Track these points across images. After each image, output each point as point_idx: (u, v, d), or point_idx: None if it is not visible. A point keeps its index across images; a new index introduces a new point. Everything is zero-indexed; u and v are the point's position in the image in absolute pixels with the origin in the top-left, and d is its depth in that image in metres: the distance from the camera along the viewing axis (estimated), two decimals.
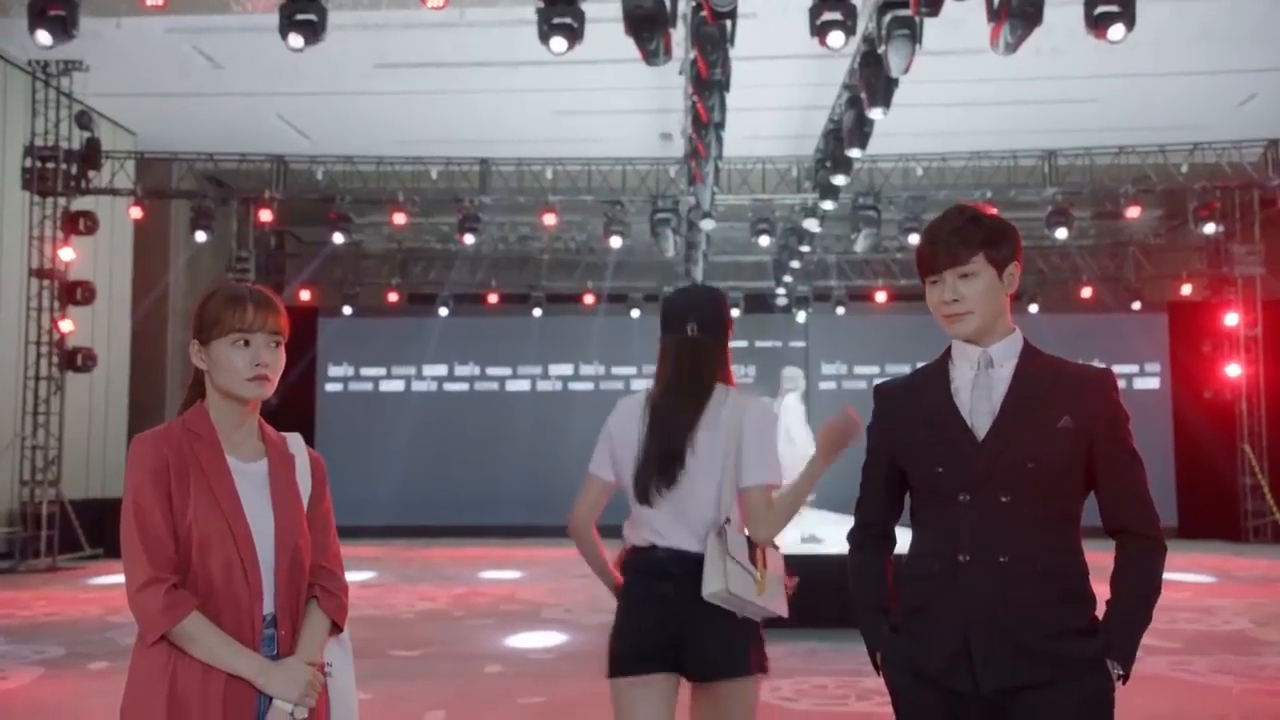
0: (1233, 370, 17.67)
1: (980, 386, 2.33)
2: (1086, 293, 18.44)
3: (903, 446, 2.41)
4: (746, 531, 2.93)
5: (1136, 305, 18.38)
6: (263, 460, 2.38)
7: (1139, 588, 2.28)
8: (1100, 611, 2.30)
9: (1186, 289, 18.52)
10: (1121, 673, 2.24)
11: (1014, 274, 2.36)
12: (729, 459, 2.90)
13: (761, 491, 2.93)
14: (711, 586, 2.83)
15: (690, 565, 2.88)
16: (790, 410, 10.53)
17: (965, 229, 2.34)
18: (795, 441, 9.96)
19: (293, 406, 16.88)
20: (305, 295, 18.40)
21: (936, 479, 2.32)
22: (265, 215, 15.34)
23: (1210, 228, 15.26)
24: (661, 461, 2.94)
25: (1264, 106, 14.29)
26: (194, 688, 2.17)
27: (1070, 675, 2.21)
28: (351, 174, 15.76)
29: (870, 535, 2.54)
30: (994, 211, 2.42)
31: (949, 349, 2.43)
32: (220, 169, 16.03)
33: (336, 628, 2.41)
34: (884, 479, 2.48)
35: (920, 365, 2.53)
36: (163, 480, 2.23)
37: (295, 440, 2.50)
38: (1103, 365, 2.39)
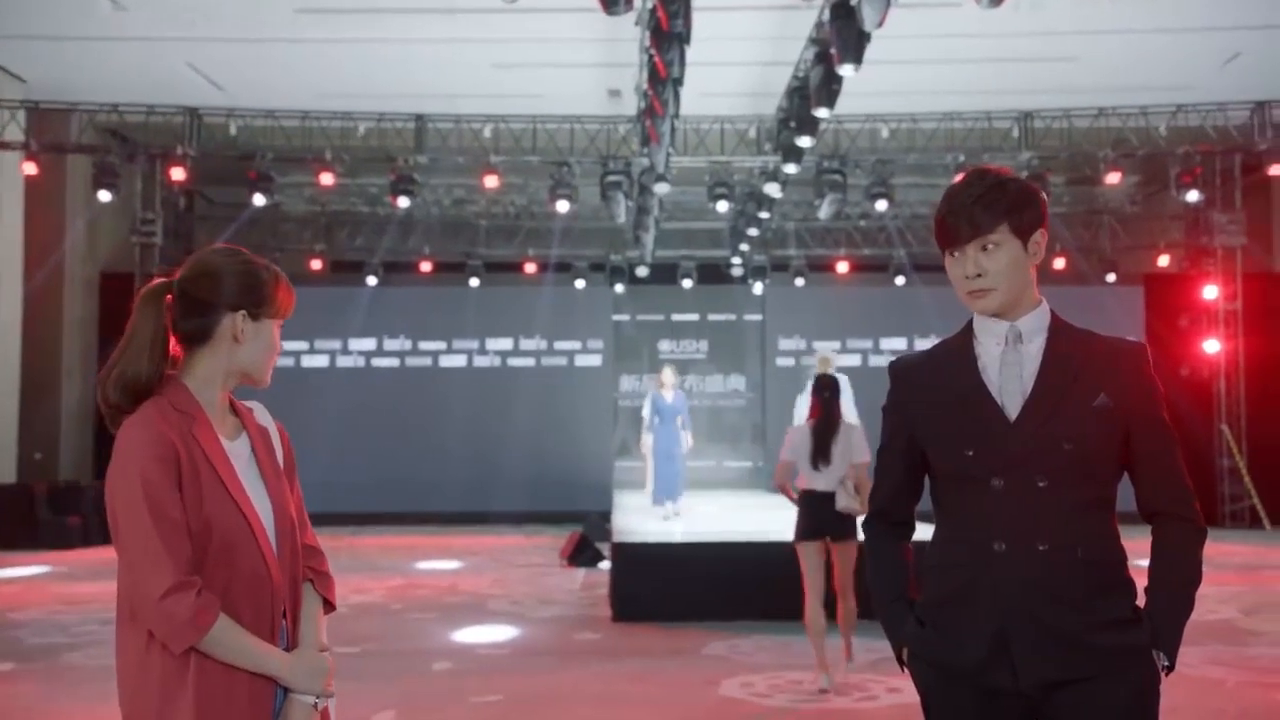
0: (1211, 346, 18.08)
1: (1009, 364, 2.32)
2: (1060, 264, 18.72)
3: (926, 429, 2.40)
4: (853, 481, 6.59)
5: (1111, 277, 18.68)
6: (243, 436, 2.37)
7: (1181, 573, 2.30)
8: (1141, 600, 2.32)
9: (1164, 260, 18.88)
10: (1168, 664, 2.26)
11: (1040, 243, 2.35)
12: (846, 451, 6.62)
13: (862, 465, 6.58)
14: (841, 503, 6.52)
15: (827, 496, 6.57)
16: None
17: (988, 196, 2.32)
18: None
19: None
20: None
21: (966, 463, 2.31)
22: (177, 173, 15.03)
23: (1193, 195, 15.54)
24: (824, 453, 6.61)
25: (1249, 66, 14.50)
26: (219, 691, 2.15)
27: (1114, 668, 2.22)
28: (271, 130, 15.49)
29: (890, 523, 2.55)
30: (1013, 174, 2.40)
31: (970, 323, 2.41)
32: (126, 121, 15.66)
33: (329, 606, 2.43)
34: (903, 464, 2.48)
35: (940, 339, 2.54)
36: (172, 468, 2.17)
37: (262, 411, 2.48)
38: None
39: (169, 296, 2.34)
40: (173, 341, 2.33)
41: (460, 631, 8.63)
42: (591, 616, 9.34)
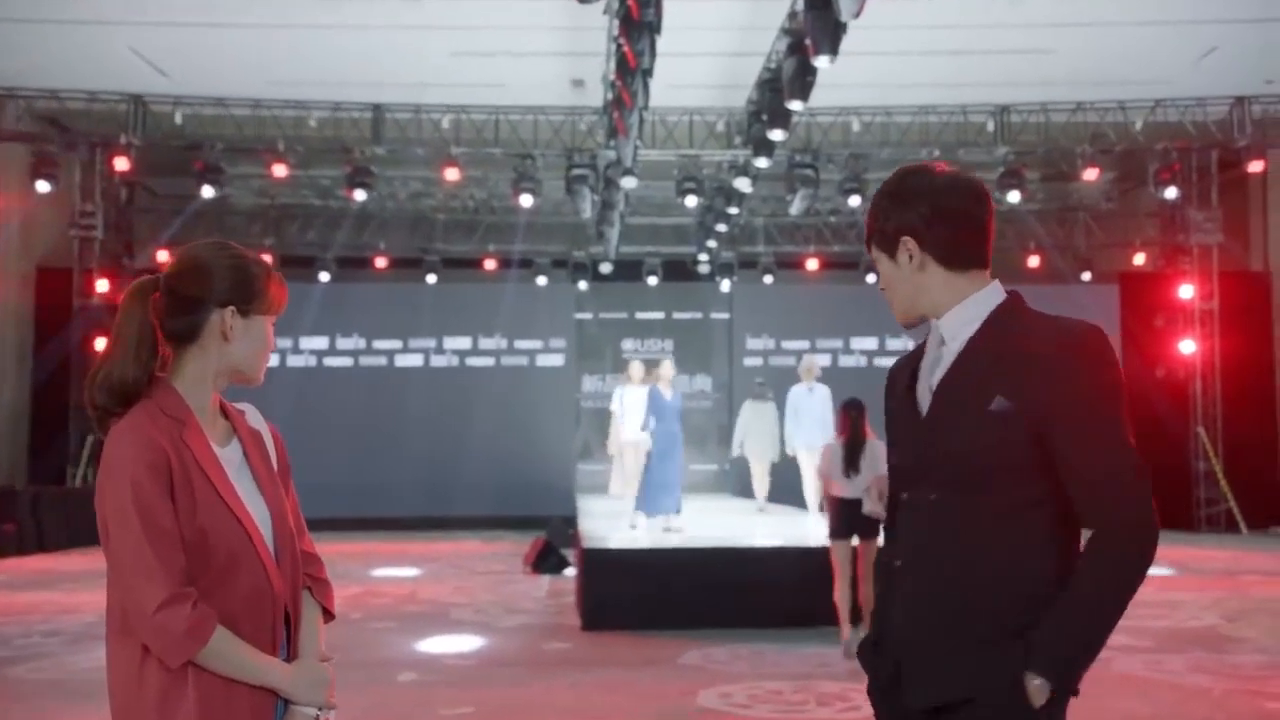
0: (1187, 347, 18.33)
1: (925, 370, 2.30)
2: (1034, 261, 18.94)
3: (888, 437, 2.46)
4: (876, 489, 7.84)
5: (1087, 276, 18.94)
6: (234, 441, 2.35)
7: (1084, 587, 2.08)
8: None
9: (1139, 259, 19.13)
10: (1044, 682, 2.06)
11: (912, 248, 2.26)
12: (871, 463, 7.97)
13: (883, 476, 7.20)
14: (866, 508, 7.86)
15: (855, 503, 7.97)
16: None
17: (868, 215, 2.38)
18: None
19: None
20: (162, 256, 17.91)
21: (891, 474, 2.36)
22: (120, 163, 14.87)
23: (1172, 192, 15.77)
24: (853, 465, 8.04)
25: (1225, 61, 14.72)
26: (219, 706, 2.14)
27: (993, 690, 2.10)
28: (219, 119, 15.37)
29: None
30: (894, 178, 2.34)
31: None
32: (66, 109, 15.47)
33: (329, 614, 2.43)
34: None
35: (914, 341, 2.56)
36: (163, 475, 2.15)
37: (253, 413, 2.47)
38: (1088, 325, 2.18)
39: (156, 294, 2.32)
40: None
41: (424, 641, 8.60)
42: (560, 625, 9.35)
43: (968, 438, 2.16)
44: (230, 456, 2.31)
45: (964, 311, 2.24)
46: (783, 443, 13.32)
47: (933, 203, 2.25)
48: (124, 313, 2.30)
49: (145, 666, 2.14)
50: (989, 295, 2.25)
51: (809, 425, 12.60)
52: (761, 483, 14.11)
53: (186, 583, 2.13)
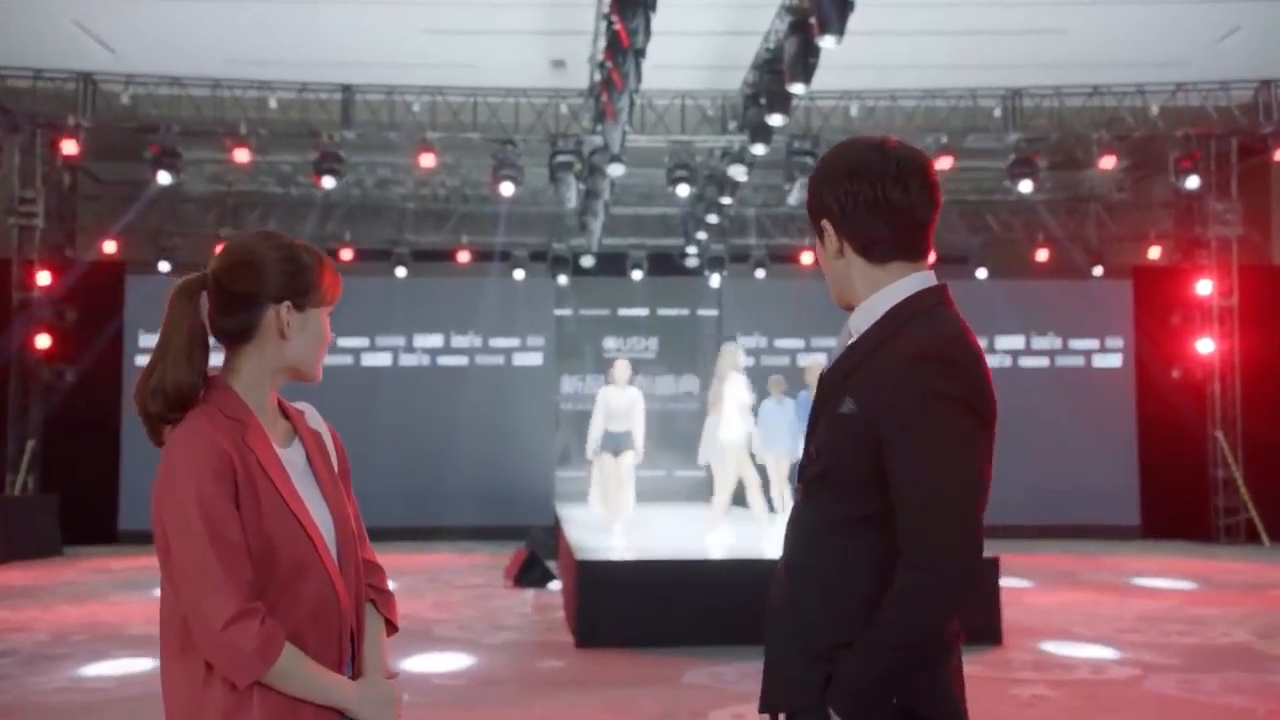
0: (1205, 346, 18.46)
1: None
2: (1043, 255, 19.07)
3: None
4: None
5: (1098, 271, 19.09)
6: (296, 442, 2.38)
7: (880, 622, 2.09)
8: None
9: (1154, 252, 19.28)
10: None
11: (829, 231, 2.28)
12: None
13: None
14: None
15: None
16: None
17: None
18: None
19: (96, 382, 16.33)
20: (110, 248, 17.81)
21: None
22: (69, 147, 14.78)
23: (1194, 181, 15.90)
24: None
25: (1249, 42, 14.85)
26: None
27: (809, 710, 2.16)
28: (175, 99, 15.29)
29: None
30: (839, 152, 2.32)
31: None
32: (8, 87, 15.36)
33: (392, 627, 2.49)
34: None
35: None
36: (228, 483, 2.17)
37: (312, 413, 2.50)
38: (932, 339, 2.15)
39: (204, 292, 2.34)
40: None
41: (409, 660, 8.60)
42: (552, 642, 9.37)
43: (820, 438, 2.23)
44: (293, 458, 2.33)
45: (869, 308, 2.24)
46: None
47: (849, 186, 2.23)
48: (172, 314, 2.31)
49: (208, 688, 2.16)
50: (898, 290, 2.23)
51: (778, 435, 13.60)
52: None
53: (254, 596, 2.15)
